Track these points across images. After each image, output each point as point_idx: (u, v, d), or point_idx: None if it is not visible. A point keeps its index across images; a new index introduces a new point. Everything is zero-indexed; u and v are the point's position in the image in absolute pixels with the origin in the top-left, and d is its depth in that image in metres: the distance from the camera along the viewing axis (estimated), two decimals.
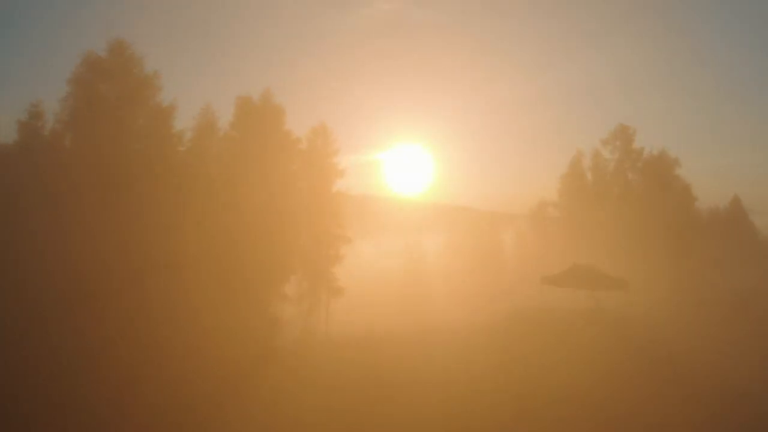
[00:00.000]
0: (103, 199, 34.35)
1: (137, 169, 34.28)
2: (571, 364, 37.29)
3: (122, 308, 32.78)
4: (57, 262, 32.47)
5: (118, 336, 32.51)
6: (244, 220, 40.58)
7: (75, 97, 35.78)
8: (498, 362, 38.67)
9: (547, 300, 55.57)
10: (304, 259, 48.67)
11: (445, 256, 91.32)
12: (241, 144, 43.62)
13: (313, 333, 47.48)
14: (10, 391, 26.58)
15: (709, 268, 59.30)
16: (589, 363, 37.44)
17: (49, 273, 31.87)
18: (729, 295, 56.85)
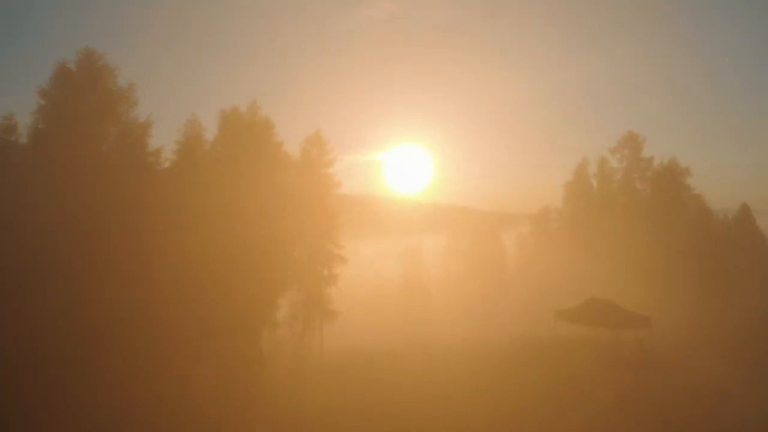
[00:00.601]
0: (73, 221, 30.99)
1: (108, 190, 30.77)
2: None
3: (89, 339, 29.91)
4: (25, 286, 29.72)
5: (92, 372, 29.89)
6: (228, 241, 37.05)
7: (45, 111, 32.38)
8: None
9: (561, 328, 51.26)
10: (297, 279, 45.07)
11: (446, 265, 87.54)
12: (227, 159, 40.00)
13: (306, 360, 43.90)
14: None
15: (727, 287, 55.34)
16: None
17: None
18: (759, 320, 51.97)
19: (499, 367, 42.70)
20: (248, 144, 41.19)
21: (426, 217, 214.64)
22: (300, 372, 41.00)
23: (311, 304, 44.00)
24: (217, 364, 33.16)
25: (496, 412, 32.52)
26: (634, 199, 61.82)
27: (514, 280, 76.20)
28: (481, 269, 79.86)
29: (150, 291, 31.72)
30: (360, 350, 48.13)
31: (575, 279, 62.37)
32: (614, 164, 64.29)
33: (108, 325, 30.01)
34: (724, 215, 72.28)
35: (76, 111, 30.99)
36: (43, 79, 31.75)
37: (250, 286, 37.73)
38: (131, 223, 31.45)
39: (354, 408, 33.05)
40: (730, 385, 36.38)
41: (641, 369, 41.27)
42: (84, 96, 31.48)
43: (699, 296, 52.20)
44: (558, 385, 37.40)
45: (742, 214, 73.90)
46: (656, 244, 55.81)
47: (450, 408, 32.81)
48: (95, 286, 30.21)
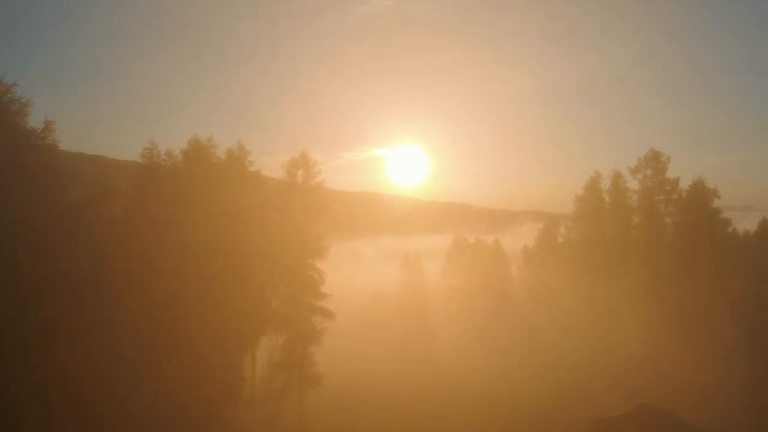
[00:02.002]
0: None
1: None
2: None
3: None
4: None
5: None
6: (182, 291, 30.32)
7: None
8: None
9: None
10: (274, 332, 37.93)
11: (447, 282, 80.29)
12: (188, 195, 32.94)
13: None
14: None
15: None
16: None
17: None
18: None
19: None
20: (215, 175, 34.23)
21: (426, 215, 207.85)
22: None
23: (291, 367, 36.67)
24: None
25: None
26: (655, 222, 54.46)
27: (520, 308, 68.78)
28: (484, 293, 72.82)
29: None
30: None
31: (590, 315, 55.72)
32: (634, 184, 56.83)
33: None
34: (744, 233, 64.66)
35: None
36: None
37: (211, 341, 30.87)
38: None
39: None
40: None
41: None
42: None
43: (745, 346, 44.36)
44: None
45: (760, 228, 66.39)
46: (690, 281, 48.92)
47: None
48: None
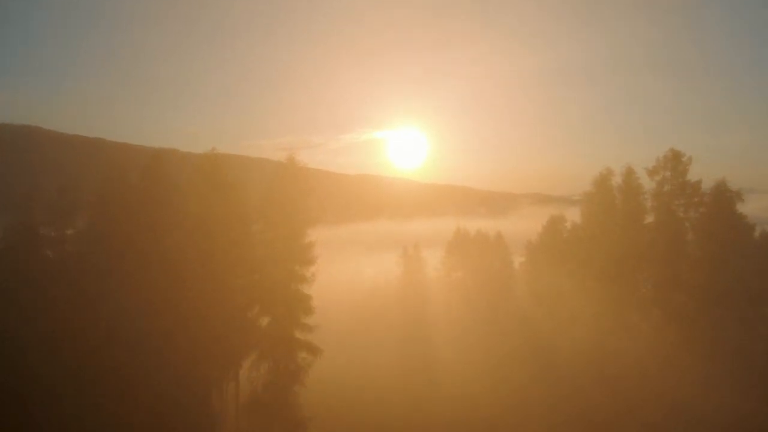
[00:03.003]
0: None
1: None
2: None
3: None
4: None
5: None
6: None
7: None
8: None
9: None
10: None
11: (447, 274, 75.26)
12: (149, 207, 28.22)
13: None
14: None
15: None
16: None
17: None
18: None
19: None
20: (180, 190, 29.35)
21: (425, 198, 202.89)
22: None
23: (271, 409, 31.91)
24: None
25: None
26: (674, 229, 49.38)
27: (523, 313, 64.11)
28: (485, 291, 68.13)
29: None
30: None
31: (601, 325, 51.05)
32: (647, 181, 51.62)
33: None
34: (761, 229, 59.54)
35: None
36: None
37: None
38: None
39: None
40: None
41: None
42: None
43: None
44: None
45: None
46: (705, 287, 44.01)
47: None
48: None
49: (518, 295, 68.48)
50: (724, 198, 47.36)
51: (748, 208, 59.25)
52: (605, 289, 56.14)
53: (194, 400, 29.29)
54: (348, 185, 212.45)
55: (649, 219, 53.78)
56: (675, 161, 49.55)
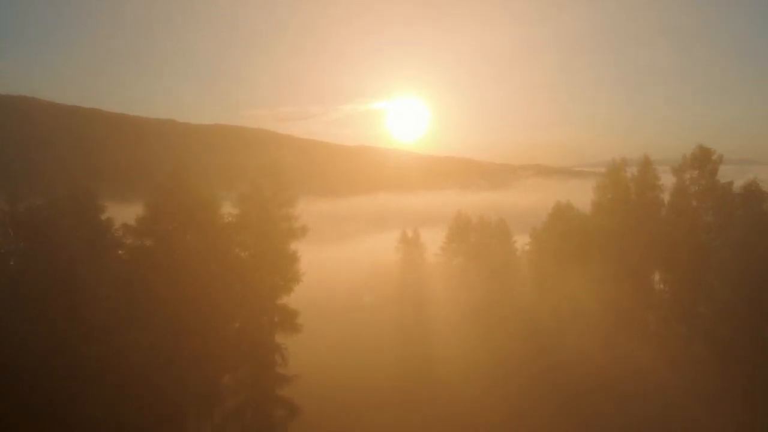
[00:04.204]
0: None
1: None
2: None
3: None
4: None
5: None
6: None
7: None
8: None
9: None
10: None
11: (448, 264, 70.58)
12: None
13: None
14: None
15: None
16: None
17: None
18: None
19: None
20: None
21: (425, 171, 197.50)
22: None
23: None
24: None
25: None
26: (700, 233, 44.55)
27: (528, 309, 59.69)
28: (487, 282, 63.73)
29: None
30: None
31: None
32: (668, 175, 46.83)
33: None
34: None
35: None
36: None
37: None
38: None
39: None
40: None
41: None
42: None
43: None
44: None
45: None
46: (735, 300, 39.41)
47: None
48: None
49: (522, 285, 64.25)
50: (755, 198, 42.47)
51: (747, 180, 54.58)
52: (617, 286, 52.09)
53: None
54: (346, 156, 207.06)
55: (667, 214, 49.10)
56: (704, 160, 44.51)
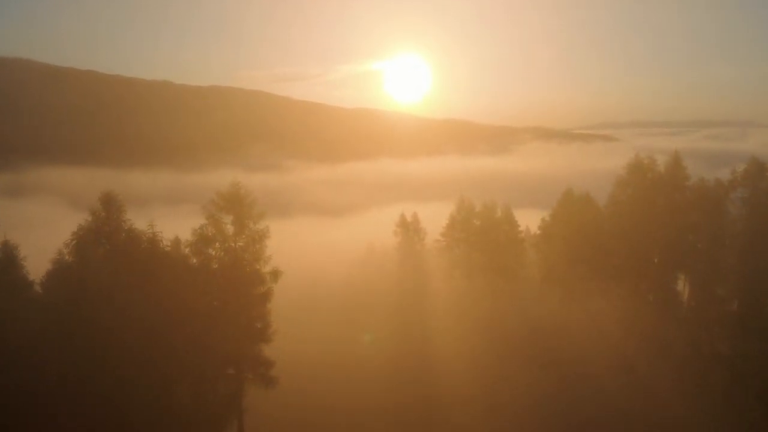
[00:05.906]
0: None
1: None
2: None
3: None
4: None
5: None
6: None
7: None
8: None
9: None
10: None
11: (450, 255, 64.81)
12: None
13: None
14: None
15: None
16: None
17: None
18: None
19: None
20: None
21: (425, 134, 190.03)
22: None
23: None
24: None
25: None
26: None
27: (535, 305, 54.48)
28: (491, 276, 58.47)
29: None
30: None
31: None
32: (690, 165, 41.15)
33: None
34: None
35: None
36: None
37: None
38: None
39: None
40: None
41: None
42: None
43: None
44: None
45: None
46: None
47: None
48: None
49: (530, 292, 58.85)
50: None
51: (749, 143, 48.85)
52: (632, 286, 46.99)
53: None
54: (345, 119, 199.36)
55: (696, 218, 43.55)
56: (758, 176, 38.56)
